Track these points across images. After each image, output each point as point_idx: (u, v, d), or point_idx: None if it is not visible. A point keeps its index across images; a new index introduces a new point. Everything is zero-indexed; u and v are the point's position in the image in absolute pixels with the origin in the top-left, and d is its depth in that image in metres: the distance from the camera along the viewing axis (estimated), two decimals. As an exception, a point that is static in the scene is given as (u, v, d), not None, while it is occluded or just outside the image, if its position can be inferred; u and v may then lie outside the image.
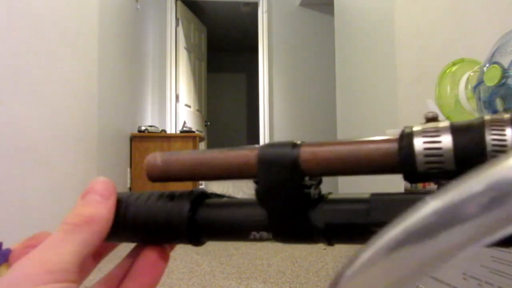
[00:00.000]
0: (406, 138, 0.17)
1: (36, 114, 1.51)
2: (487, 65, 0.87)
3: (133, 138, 2.98)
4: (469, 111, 1.05)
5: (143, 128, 3.04)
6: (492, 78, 0.84)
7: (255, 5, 4.38)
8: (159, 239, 0.21)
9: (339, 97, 3.14)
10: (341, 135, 3.09)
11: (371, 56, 2.51)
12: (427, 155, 0.16)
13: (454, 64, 1.15)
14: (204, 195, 0.22)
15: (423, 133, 0.16)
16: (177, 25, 4.08)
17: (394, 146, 0.18)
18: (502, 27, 1.04)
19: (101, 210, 0.19)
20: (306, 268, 1.68)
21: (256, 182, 0.19)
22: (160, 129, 3.28)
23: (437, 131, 0.16)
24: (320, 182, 0.20)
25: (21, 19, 1.41)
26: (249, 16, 5.12)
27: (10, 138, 1.33)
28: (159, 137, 3.04)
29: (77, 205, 0.20)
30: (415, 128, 0.17)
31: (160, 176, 0.21)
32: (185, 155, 0.21)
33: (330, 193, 0.20)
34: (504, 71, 0.82)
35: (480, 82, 0.89)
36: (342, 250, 1.94)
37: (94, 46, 2.19)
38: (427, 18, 1.85)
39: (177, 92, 4.06)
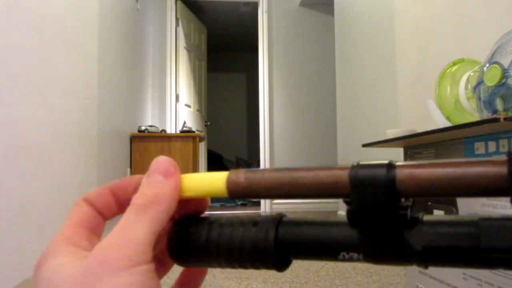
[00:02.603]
0: None
1: (36, 114, 1.51)
2: (487, 65, 0.87)
3: (133, 138, 2.98)
4: (469, 111, 1.05)
5: (143, 128, 3.04)
6: (492, 78, 0.84)
7: (255, 5, 4.38)
8: (243, 264, 0.21)
9: (339, 97, 3.14)
10: (341, 135, 3.10)
11: (371, 56, 2.51)
12: None
13: (454, 64, 1.15)
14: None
15: None
16: (177, 25, 4.08)
17: (503, 169, 0.17)
18: (502, 27, 1.04)
19: (165, 189, 0.20)
20: (306, 268, 1.68)
21: (347, 203, 0.19)
22: (160, 129, 3.28)
23: None
24: (413, 203, 0.19)
25: (21, 19, 1.41)
26: (249, 16, 5.12)
27: (10, 138, 1.33)
28: (159, 137, 3.04)
29: (142, 185, 0.20)
30: None
31: (242, 193, 0.21)
32: (270, 173, 0.21)
33: (424, 213, 0.19)
34: (504, 71, 0.82)
35: (480, 82, 0.89)
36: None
37: (94, 46, 2.19)
38: (427, 18, 1.85)
39: (177, 92, 4.06)
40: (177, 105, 4.05)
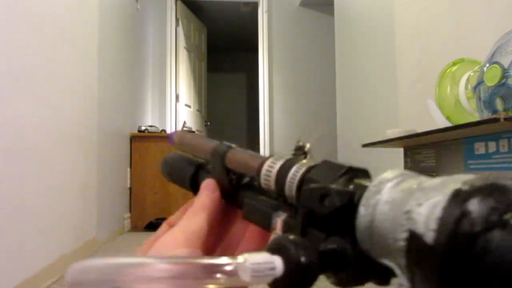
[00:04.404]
0: None
1: (36, 114, 1.51)
2: (487, 65, 0.87)
3: (133, 138, 2.98)
4: (469, 111, 1.05)
5: (143, 128, 3.04)
6: (492, 78, 0.84)
7: (255, 5, 4.38)
8: None
9: (339, 97, 3.14)
10: (341, 135, 3.10)
11: (371, 56, 2.51)
12: None
13: (454, 64, 1.15)
14: None
15: None
16: (177, 25, 4.07)
17: None
18: (502, 27, 1.04)
19: (208, 200, 0.25)
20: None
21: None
22: (160, 129, 3.28)
23: None
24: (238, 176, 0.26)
25: (21, 19, 1.41)
26: (249, 16, 5.11)
27: (10, 138, 1.33)
28: (159, 137, 3.04)
29: (198, 195, 0.26)
30: None
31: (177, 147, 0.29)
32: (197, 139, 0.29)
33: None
34: (504, 71, 0.82)
35: (480, 82, 0.89)
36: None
37: (94, 46, 2.18)
38: (427, 18, 1.85)
39: (177, 92, 4.06)
40: (177, 105, 4.05)
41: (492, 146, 0.91)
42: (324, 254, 0.15)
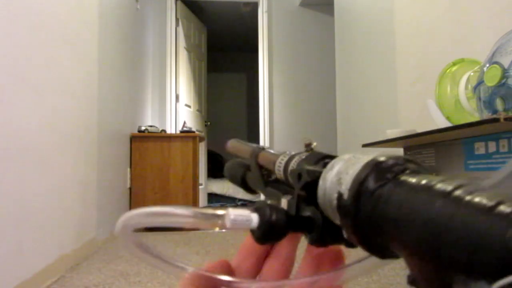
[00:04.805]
0: None
1: (36, 114, 1.51)
2: (487, 65, 0.87)
3: (133, 138, 2.98)
4: (469, 111, 1.05)
5: (143, 128, 3.04)
6: (492, 78, 0.84)
7: (255, 5, 4.38)
8: None
9: (339, 97, 3.14)
10: (341, 135, 3.10)
11: (371, 56, 2.51)
12: None
13: (454, 64, 1.15)
14: None
15: None
16: (177, 25, 4.08)
17: None
18: (502, 27, 1.04)
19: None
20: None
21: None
22: (160, 129, 3.28)
23: None
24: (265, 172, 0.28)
25: (21, 19, 1.41)
26: (249, 16, 5.11)
27: (10, 138, 1.33)
28: (159, 137, 3.04)
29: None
30: None
31: None
32: None
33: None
34: (504, 71, 0.82)
35: (480, 82, 0.89)
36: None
37: (94, 46, 2.19)
38: (427, 18, 1.85)
39: (177, 92, 4.06)
40: (177, 105, 4.05)
41: (492, 146, 0.91)
42: (293, 217, 0.20)
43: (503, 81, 0.82)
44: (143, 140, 2.99)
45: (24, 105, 1.42)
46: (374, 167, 0.16)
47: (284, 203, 0.21)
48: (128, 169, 2.93)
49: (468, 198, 0.12)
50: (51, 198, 1.62)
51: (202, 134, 3.71)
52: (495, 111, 0.85)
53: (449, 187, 0.13)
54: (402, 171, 0.15)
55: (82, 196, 1.97)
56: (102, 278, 1.60)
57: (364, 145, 1.53)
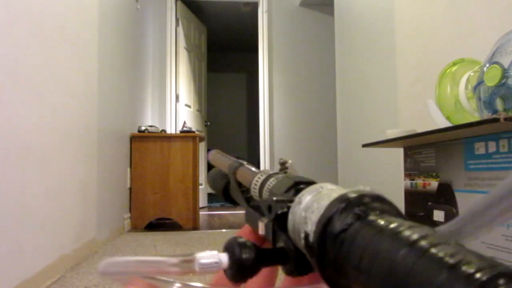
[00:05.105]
0: None
1: (36, 114, 1.51)
2: (487, 65, 0.87)
3: (133, 138, 2.98)
4: (469, 111, 1.05)
5: (143, 128, 3.04)
6: (492, 78, 0.84)
7: (255, 5, 4.38)
8: None
9: (339, 97, 3.14)
10: (341, 135, 3.10)
11: (371, 56, 2.51)
12: None
13: (454, 64, 1.15)
14: None
15: None
16: (177, 25, 4.08)
17: None
18: (502, 27, 1.04)
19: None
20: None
21: None
22: (160, 129, 3.28)
23: None
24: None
25: (21, 19, 1.41)
26: (249, 16, 5.12)
27: (10, 138, 1.33)
28: (159, 137, 3.04)
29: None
30: None
31: None
32: None
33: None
34: (504, 71, 0.82)
35: (480, 82, 0.89)
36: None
37: (94, 46, 2.19)
38: (427, 18, 1.85)
39: (177, 92, 4.06)
40: (177, 105, 4.05)
41: (492, 146, 0.91)
42: (264, 252, 0.19)
43: (503, 81, 0.82)
44: (143, 140, 2.99)
45: (24, 105, 1.42)
46: (339, 208, 0.16)
47: (261, 227, 0.21)
48: (128, 169, 2.93)
49: (432, 251, 0.12)
50: (51, 198, 1.62)
51: (202, 134, 3.71)
52: (495, 111, 0.85)
53: (414, 236, 0.13)
54: (368, 212, 0.15)
55: (82, 196, 1.97)
56: (102, 278, 1.60)
57: (364, 145, 1.53)
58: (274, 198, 0.20)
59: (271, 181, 0.23)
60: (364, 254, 0.14)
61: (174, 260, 0.20)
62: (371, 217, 0.15)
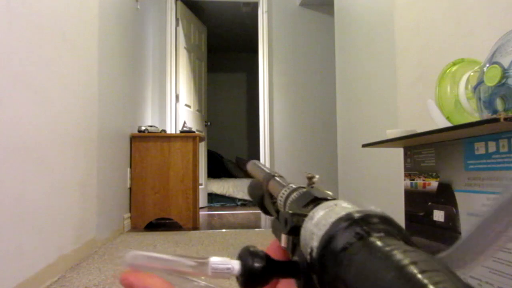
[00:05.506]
0: None
1: (35, 114, 1.51)
2: (487, 65, 0.87)
3: (133, 138, 2.98)
4: (469, 111, 1.05)
5: (143, 128, 3.04)
6: (492, 78, 0.84)
7: (255, 5, 4.38)
8: None
9: (339, 97, 3.14)
10: (341, 135, 3.10)
11: (371, 56, 2.51)
12: None
13: (454, 64, 1.15)
14: None
15: None
16: (177, 25, 4.08)
17: None
18: (502, 27, 1.04)
19: None
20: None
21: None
22: (160, 129, 3.28)
23: None
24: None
25: (21, 19, 1.41)
26: (249, 16, 5.11)
27: (10, 138, 1.33)
28: (159, 137, 3.04)
29: None
30: None
31: None
32: None
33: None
34: (504, 71, 0.82)
35: (480, 82, 0.89)
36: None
37: (94, 46, 2.19)
38: (427, 18, 1.85)
39: (177, 92, 4.06)
40: (177, 105, 4.05)
41: (492, 146, 0.91)
42: (277, 263, 0.20)
43: (503, 81, 0.82)
44: (143, 140, 2.99)
45: (23, 105, 1.42)
46: (342, 226, 0.16)
47: (283, 240, 0.22)
48: (128, 169, 2.93)
49: (418, 277, 0.12)
50: (50, 198, 1.62)
51: (202, 134, 3.71)
52: (495, 111, 0.85)
53: (405, 261, 0.13)
54: (371, 233, 0.15)
55: (82, 196, 1.97)
56: (102, 278, 1.60)
57: (364, 145, 1.53)
58: (290, 212, 0.21)
59: (295, 195, 0.24)
60: (358, 276, 0.14)
61: (190, 262, 0.20)
62: (372, 238, 0.15)
